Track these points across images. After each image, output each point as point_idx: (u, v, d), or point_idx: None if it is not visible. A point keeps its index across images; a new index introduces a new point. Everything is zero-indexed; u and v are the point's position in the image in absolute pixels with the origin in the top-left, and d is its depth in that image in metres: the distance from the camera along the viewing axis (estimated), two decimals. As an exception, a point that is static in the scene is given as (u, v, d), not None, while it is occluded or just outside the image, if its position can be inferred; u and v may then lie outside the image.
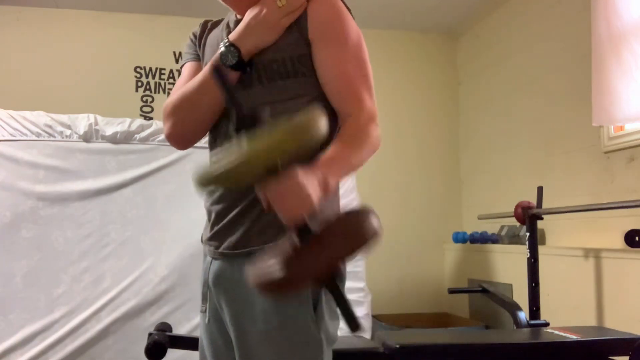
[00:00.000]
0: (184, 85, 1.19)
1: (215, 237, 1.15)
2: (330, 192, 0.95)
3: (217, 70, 0.89)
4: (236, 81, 1.13)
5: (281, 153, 0.81)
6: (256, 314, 1.05)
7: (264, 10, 1.12)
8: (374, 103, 1.13)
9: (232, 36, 1.13)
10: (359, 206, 0.93)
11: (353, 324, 0.86)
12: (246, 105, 0.98)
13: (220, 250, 1.13)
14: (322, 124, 0.83)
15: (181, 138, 1.21)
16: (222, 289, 1.13)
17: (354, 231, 0.86)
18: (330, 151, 1.01)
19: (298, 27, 1.12)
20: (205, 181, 0.84)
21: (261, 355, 1.05)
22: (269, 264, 0.87)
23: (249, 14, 1.14)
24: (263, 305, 1.05)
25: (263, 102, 1.11)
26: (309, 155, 0.86)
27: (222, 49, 1.12)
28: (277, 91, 1.11)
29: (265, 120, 0.88)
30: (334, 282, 0.88)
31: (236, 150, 0.81)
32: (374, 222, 0.88)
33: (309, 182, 0.87)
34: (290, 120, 0.82)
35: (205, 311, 1.19)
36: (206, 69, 1.15)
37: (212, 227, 1.17)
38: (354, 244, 0.84)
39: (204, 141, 1.23)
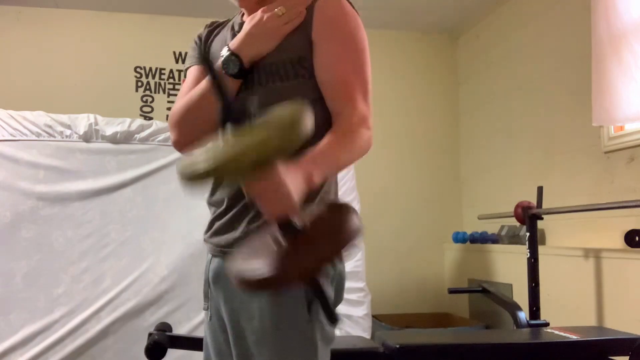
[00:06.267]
0: (189, 90, 1.20)
1: (215, 234, 1.16)
2: (314, 187, 0.94)
3: (205, 60, 0.87)
4: (237, 88, 1.13)
5: (266, 150, 0.79)
6: (252, 312, 1.06)
7: (265, 19, 1.12)
8: (368, 107, 1.11)
9: (232, 44, 1.13)
10: (340, 202, 0.92)
11: (332, 318, 0.88)
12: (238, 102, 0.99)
13: (220, 247, 1.14)
14: (308, 120, 0.81)
15: (187, 145, 1.20)
16: (220, 286, 1.14)
17: (338, 230, 0.85)
18: (318, 147, 1.00)
19: (303, 27, 1.12)
20: (190, 177, 0.83)
21: (257, 353, 1.06)
22: (252, 262, 0.86)
23: (249, 22, 1.15)
24: (259, 303, 1.05)
25: (261, 103, 1.12)
26: (294, 150, 0.85)
27: (224, 57, 1.12)
28: (275, 93, 1.11)
29: (251, 113, 0.86)
30: (316, 281, 0.88)
31: (221, 146, 0.80)
32: (356, 219, 0.87)
33: (292, 179, 0.86)
34: (275, 116, 0.81)
35: (207, 309, 1.20)
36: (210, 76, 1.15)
37: (212, 224, 1.18)
38: (338, 244, 0.83)
39: None
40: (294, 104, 0.84)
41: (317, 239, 0.85)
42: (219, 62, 1.14)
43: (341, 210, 0.89)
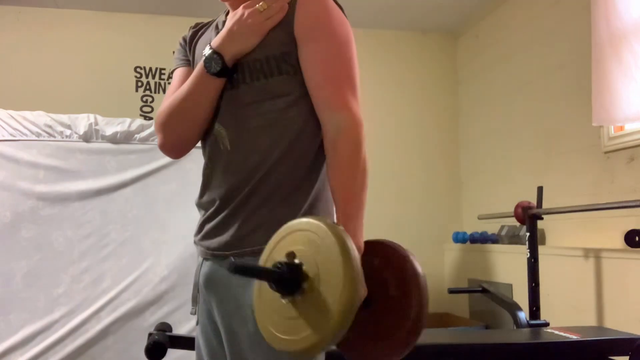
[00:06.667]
0: (174, 92, 1.19)
1: (206, 237, 1.14)
2: (362, 248, 0.99)
3: (237, 267, 0.85)
4: (223, 86, 1.13)
5: (353, 306, 0.81)
6: (246, 315, 1.05)
7: (245, 15, 1.11)
8: (358, 105, 1.09)
9: (214, 43, 1.12)
10: (397, 248, 0.95)
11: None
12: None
13: (211, 250, 1.13)
14: (352, 245, 0.84)
15: (174, 148, 1.20)
16: (212, 290, 1.13)
17: (411, 288, 0.89)
18: (341, 208, 1.02)
19: (285, 23, 1.10)
20: (298, 354, 0.86)
21: (251, 357, 1.05)
22: (361, 346, 0.92)
23: (231, 20, 1.13)
24: (252, 307, 1.05)
25: (248, 101, 1.11)
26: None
27: (206, 56, 1.11)
28: (261, 90, 1.10)
29: (298, 270, 0.86)
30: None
31: (302, 324, 0.84)
32: (415, 262, 0.91)
33: None
34: (338, 269, 0.81)
35: (195, 313, 1.19)
36: (193, 76, 1.14)
37: (202, 226, 1.17)
38: (421, 300, 0.89)
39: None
40: (331, 239, 0.84)
41: (399, 302, 0.90)
42: (201, 61, 1.13)
43: (401, 263, 0.93)
